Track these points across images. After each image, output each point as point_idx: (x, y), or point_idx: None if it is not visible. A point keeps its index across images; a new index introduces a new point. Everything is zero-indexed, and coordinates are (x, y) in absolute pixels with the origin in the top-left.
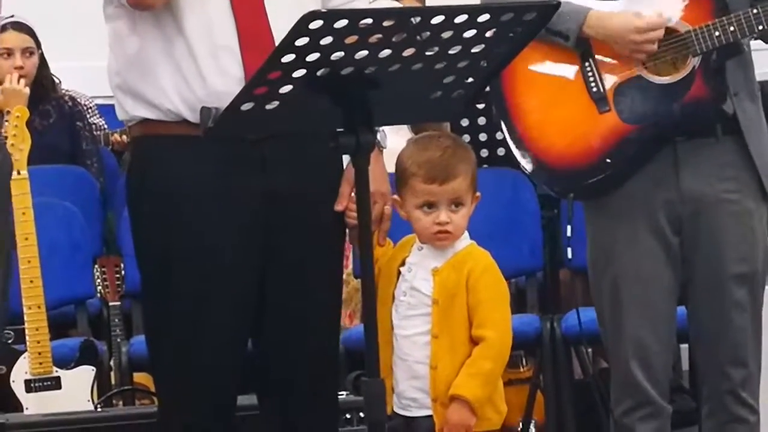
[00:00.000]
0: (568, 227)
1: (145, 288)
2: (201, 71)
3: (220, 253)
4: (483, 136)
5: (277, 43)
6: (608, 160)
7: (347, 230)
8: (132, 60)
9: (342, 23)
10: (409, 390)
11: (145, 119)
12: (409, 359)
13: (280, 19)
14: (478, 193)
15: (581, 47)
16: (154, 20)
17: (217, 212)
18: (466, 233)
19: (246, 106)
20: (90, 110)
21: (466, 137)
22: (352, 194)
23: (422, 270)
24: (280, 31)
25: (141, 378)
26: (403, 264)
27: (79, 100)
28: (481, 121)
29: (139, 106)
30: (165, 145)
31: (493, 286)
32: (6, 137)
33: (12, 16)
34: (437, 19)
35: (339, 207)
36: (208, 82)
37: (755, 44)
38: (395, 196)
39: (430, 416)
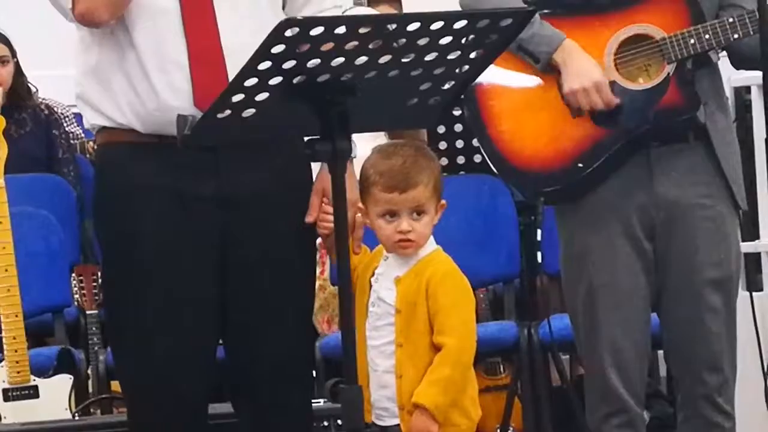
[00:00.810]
0: (538, 231)
1: (107, 294)
2: (152, 85)
3: (177, 258)
4: (460, 143)
5: (227, 60)
6: (580, 165)
7: (320, 239)
8: (90, 70)
9: (318, 30)
10: (381, 400)
11: (103, 127)
12: (378, 369)
13: (234, 37)
14: (443, 201)
15: (546, 70)
16: (110, 33)
17: (173, 218)
18: (432, 240)
19: (223, 114)
20: (66, 119)
21: (443, 144)
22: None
23: (386, 280)
24: (232, 49)
25: (118, 386)
26: (373, 275)
27: (55, 108)
28: (458, 128)
29: (97, 115)
30: (123, 153)
31: (452, 292)
32: None
33: None
34: (413, 26)
35: (309, 219)
36: (159, 97)
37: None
38: (360, 205)
39: (397, 425)
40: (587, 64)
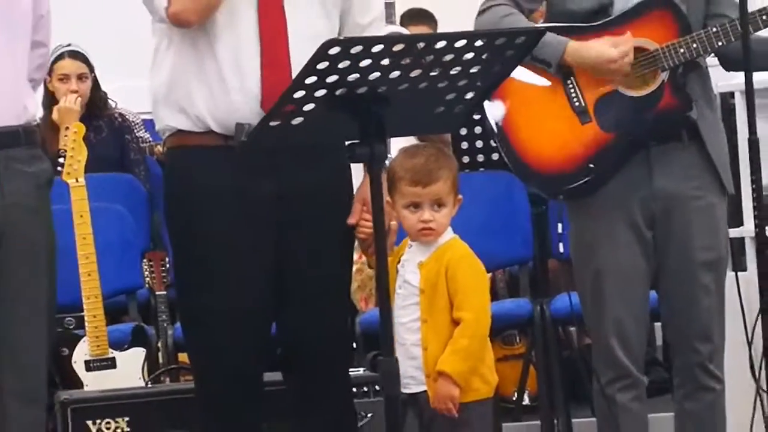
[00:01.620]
0: (559, 225)
1: (178, 280)
2: (227, 87)
3: (238, 250)
4: (479, 143)
5: (294, 67)
6: (591, 165)
7: (357, 242)
8: (169, 74)
9: (357, 49)
10: (409, 369)
11: (177, 130)
12: (406, 343)
13: (300, 54)
14: (459, 196)
15: (562, 71)
16: (190, 38)
17: (234, 214)
18: (450, 229)
19: (275, 122)
20: (137, 125)
21: (465, 144)
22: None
23: (411, 264)
24: (298, 61)
25: (185, 357)
26: (399, 262)
27: (127, 116)
28: (477, 130)
29: (173, 116)
30: (192, 155)
31: (469, 274)
32: (63, 150)
33: (69, 45)
34: (440, 44)
35: (351, 221)
36: (232, 99)
37: (711, 61)
38: (387, 198)
39: (424, 391)
40: (596, 47)
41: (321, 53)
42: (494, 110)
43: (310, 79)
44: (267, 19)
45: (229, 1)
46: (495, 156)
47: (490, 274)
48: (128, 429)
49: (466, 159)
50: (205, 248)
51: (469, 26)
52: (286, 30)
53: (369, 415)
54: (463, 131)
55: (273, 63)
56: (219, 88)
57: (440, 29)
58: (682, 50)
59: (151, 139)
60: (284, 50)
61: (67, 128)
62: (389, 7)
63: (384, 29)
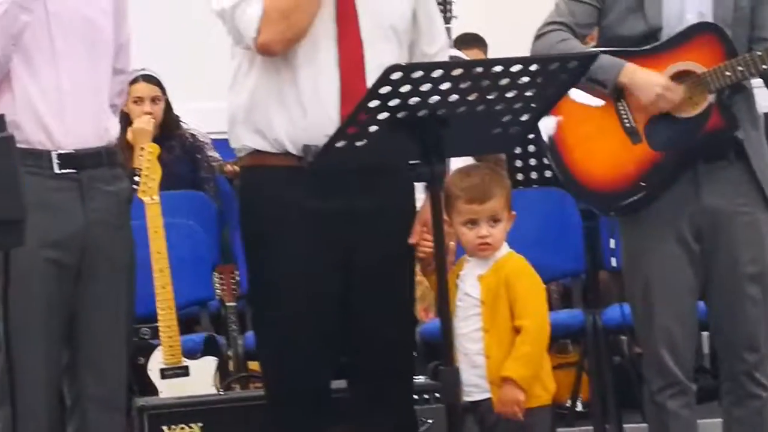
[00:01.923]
0: (611, 240)
1: (251, 292)
2: (306, 113)
3: (309, 264)
4: (533, 161)
5: None
6: (642, 183)
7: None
8: (249, 97)
9: (418, 74)
10: (472, 378)
11: (254, 150)
12: (469, 352)
13: (376, 74)
14: (513, 212)
15: (615, 92)
16: (272, 65)
17: (304, 229)
18: (505, 244)
19: (340, 144)
20: (207, 145)
21: (519, 162)
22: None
23: (471, 278)
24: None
25: (255, 366)
26: (458, 277)
27: (198, 136)
28: (531, 148)
29: (250, 137)
30: (267, 173)
31: (528, 284)
32: (138, 169)
33: (143, 69)
34: (496, 69)
35: (413, 240)
36: (310, 123)
37: (757, 82)
38: (445, 217)
39: (490, 398)
40: (650, 75)
41: (384, 78)
42: (548, 130)
43: (374, 103)
44: (346, 50)
45: (311, 32)
46: (548, 173)
47: (544, 286)
48: None
49: (520, 176)
50: (276, 262)
51: (516, 48)
52: (363, 60)
53: (430, 421)
54: (518, 150)
55: (351, 91)
56: (298, 113)
57: (490, 52)
58: (728, 73)
59: (220, 158)
60: (362, 79)
61: (142, 148)
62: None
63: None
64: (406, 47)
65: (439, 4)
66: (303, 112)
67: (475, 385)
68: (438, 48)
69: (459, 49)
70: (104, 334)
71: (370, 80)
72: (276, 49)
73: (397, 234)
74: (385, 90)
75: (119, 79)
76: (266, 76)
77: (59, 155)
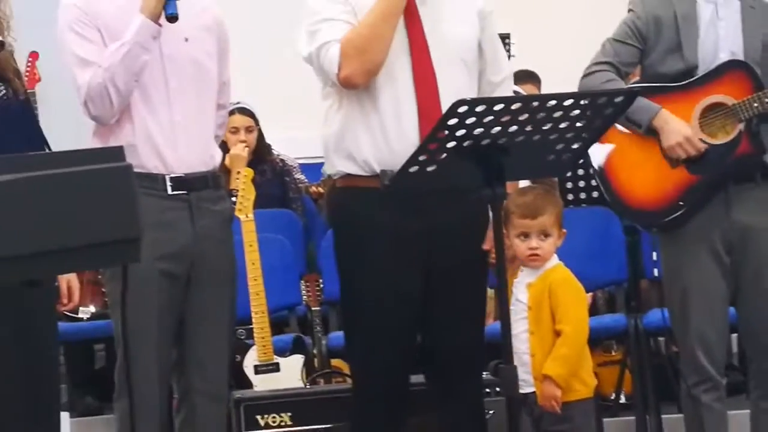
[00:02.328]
0: (654, 253)
1: (344, 300)
2: (389, 136)
3: (392, 275)
4: (582, 183)
5: None
6: (681, 203)
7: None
8: (339, 128)
9: (481, 108)
10: (520, 374)
11: (346, 174)
12: (518, 351)
13: (448, 99)
14: (564, 230)
15: (649, 132)
16: (356, 97)
17: (389, 244)
18: (555, 257)
19: (413, 169)
20: (294, 169)
21: (570, 184)
22: None
23: (522, 285)
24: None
25: (337, 363)
26: (513, 284)
27: (287, 161)
28: (580, 171)
29: (342, 162)
30: (358, 194)
31: (569, 293)
32: (234, 190)
33: (239, 103)
34: (551, 103)
35: (486, 247)
36: (394, 145)
37: None
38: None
39: (534, 392)
40: (679, 125)
41: (451, 111)
42: (596, 155)
43: (442, 133)
44: (421, 78)
45: (388, 64)
46: (595, 194)
47: (591, 294)
48: (290, 422)
49: (570, 196)
50: (365, 273)
51: (566, 84)
52: (437, 86)
53: (491, 411)
54: (568, 173)
55: (428, 114)
56: (382, 136)
57: (543, 86)
58: (756, 104)
59: (306, 180)
60: (437, 103)
61: (238, 172)
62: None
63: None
64: (475, 74)
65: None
66: (386, 136)
67: (523, 380)
68: (503, 77)
69: (516, 84)
70: (209, 335)
71: (445, 105)
72: (357, 81)
73: (471, 245)
74: (452, 122)
75: (221, 113)
76: (353, 108)
77: (172, 179)
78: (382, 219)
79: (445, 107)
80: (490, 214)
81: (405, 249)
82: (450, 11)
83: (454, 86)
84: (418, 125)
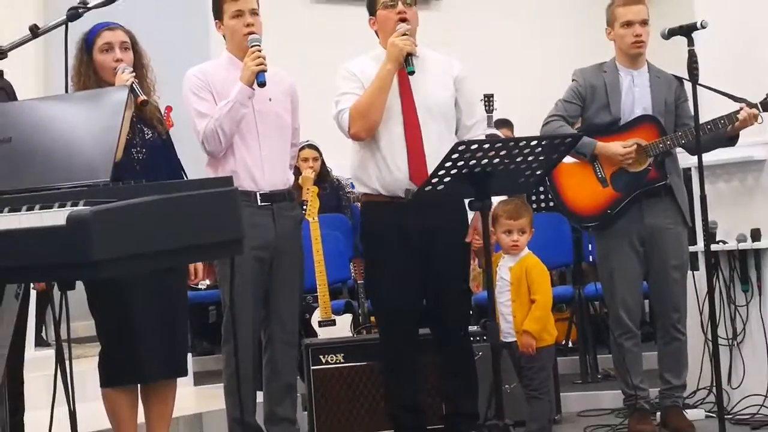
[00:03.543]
0: (590, 245)
1: (366, 276)
2: (389, 169)
3: (401, 260)
4: (542, 196)
5: (427, 159)
6: (608, 211)
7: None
8: (357, 162)
9: (474, 146)
10: (506, 328)
11: (364, 194)
12: (504, 313)
13: (431, 148)
14: (533, 229)
15: (592, 158)
16: (366, 143)
17: (397, 239)
18: (526, 248)
19: (428, 188)
20: (346, 185)
21: (534, 197)
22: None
23: (504, 268)
24: (428, 153)
25: (374, 320)
26: (497, 266)
27: (341, 181)
28: (541, 189)
29: (361, 186)
30: (374, 207)
31: (539, 273)
32: (305, 201)
33: (308, 141)
34: (522, 143)
35: (468, 239)
36: (394, 176)
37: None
38: (491, 228)
39: (516, 341)
40: (614, 146)
41: (454, 149)
42: (552, 178)
43: (448, 164)
44: (409, 131)
45: (386, 120)
46: (551, 204)
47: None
48: (342, 360)
49: (534, 206)
50: (381, 258)
51: (531, 128)
52: (421, 135)
53: (480, 353)
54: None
55: (414, 155)
56: (384, 170)
57: (516, 130)
58: (660, 146)
59: (354, 192)
60: (421, 145)
61: (308, 189)
62: (489, 119)
63: (485, 129)
64: (452, 122)
65: (485, 96)
66: (386, 170)
67: (508, 332)
68: (474, 121)
69: (497, 128)
70: (286, 301)
71: (427, 147)
72: (362, 136)
73: (456, 239)
74: (455, 156)
75: (293, 151)
76: (364, 150)
77: (261, 194)
78: (390, 222)
79: (427, 149)
80: (469, 217)
81: (407, 242)
82: (432, 80)
83: (436, 132)
84: (407, 162)
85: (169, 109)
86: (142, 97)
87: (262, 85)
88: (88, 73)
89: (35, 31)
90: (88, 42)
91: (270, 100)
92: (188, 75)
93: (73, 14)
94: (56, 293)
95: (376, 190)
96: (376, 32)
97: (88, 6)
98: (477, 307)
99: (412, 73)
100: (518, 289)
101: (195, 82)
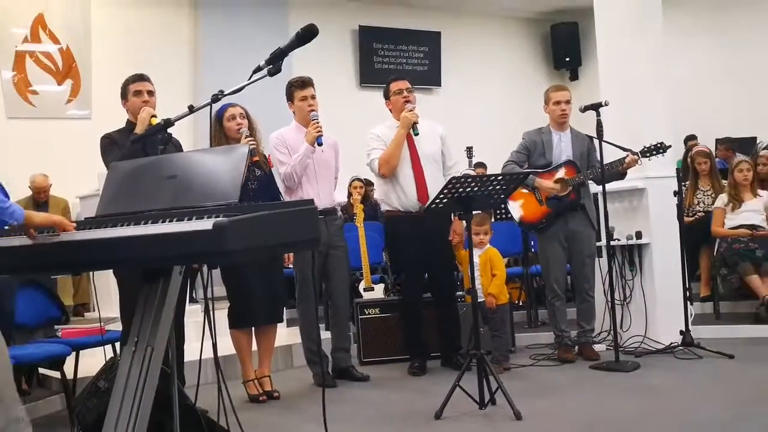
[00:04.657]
0: (532, 242)
1: (391, 264)
2: (406, 194)
3: (415, 251)
4: (503, 211)
5: (428, 185)
6: (544, 221)
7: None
8: (383, 191)
9: (462, 180)
10: (479, 292)
11: (388, 210)
12: (477, 283)
13: (430, 180)
14: (492, 231)
15: (533, 189)
16: (389, 178)
17: (412, 240)
18: (488, 243)
19: (432, 206)
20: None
21: (498, 212)
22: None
23: (475, 256)
24: (429, 181)
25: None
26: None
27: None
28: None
29: (385, 206)
30: (395, 219)
31: (497, 258)
32: (355, 214)
33: (356, 176)
34: (492, 178)
35: (451, 239)
36: (407, 198)
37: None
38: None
39: (484, 300)
40: (546, 183)
41: (449, 183)
42: (511, 207)
43: (444, 192)
44: (416, 169)
45: (402, 162)
46: (509, 215)
47: (506, 258)
48: (378, 312)
49: (498, 217)
50: (400, 251)
51: (497, 167)
52: (423, 172)
53: (464, 308)
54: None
55: (421, 186)
56: (402, 195)
57: (489, 169)
58: (577, 179)
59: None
60: (423, 181)
61: (356, 206)
62: (470, 162)
63: (460, 169)
64: (440, 164)
65: (467, 148)
66: (403, 195)
67: (480, 296)
68: (452, 163)
69: (475, 168)
70: (339, 276)
71: (428, 180)
72: (386, 175)
73: (445, 237)
74: (449, 186)
75: (336, 182)
76: (387, 183)
77: (319, 210)
78: (406, 230)
79: (428, 181)
80: (453, 223)
81: (416, 242)
82: (427, 138)
83: (431, 171)
84: (416, 190)
85: (269, 156)
86: (255, 158)
87: (319, 144)
88: (220, 135)
89: (191, 109)
90: (219, 115)
91: (323, 151)
92: (272, 137)
93: (215, 98)
94: (205, 271)
95: (396, 208)
96: (390, 110)
97: (225, 93)
98: (459, 281)
99: (417, 134)
100: (484, 269)
101: (276, 142)
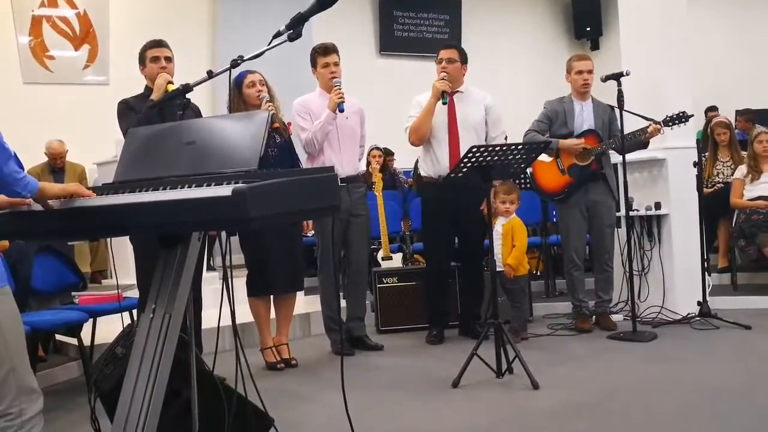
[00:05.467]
0: (554, 211)
1: (423, 229)
2: (439, 160)
3: (443, 221)
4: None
5: (462, 153)
6: (566, 190)
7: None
8: (422, 156)
9: (483, 148)
10: (498, 262)
11: (425, 175)
12: (497, 253)
13: (465, 144)
14: (520, 202)
15: (557, 153)
16: (426, 145)
17: (440, 208)
18: (514, 213)
19: (453, 175)
20: (400, 173)
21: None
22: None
23: (499, 225)
24: (462, 149)
25: (417, 257)
26: (494, 224)
27: (396, 169)
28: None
29: (422, 171)
30: (427, 185)
31: (520, 227)
32: (374, 182)
33: (375, 144)
34: (513, 147)
35: (482, 208)
36: (439, 166)
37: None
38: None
39: (503, 270)
40: (570, 141)
41: (469, 151)
42: (531, 168)
43: (465, 160)
44: (452, 136)
45: (438, 129)
46: (529, 185)
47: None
48: (397, 282)
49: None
50: (431, 218)
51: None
52: (459, 140)
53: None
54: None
55: (454, 153)
56: (435, 162)
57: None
58: (599, 148)
59: (404, 177)
60: (458, 148)
61: (375, 175)
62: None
63: (502, 140)
64: (483, 133)
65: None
66: (436, 161)
67: (499, 265)
68: (497, 134)
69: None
70: (358, 244)
71: (463, 148)
72: (416, 143)
73: (476, 209)
74: (470, 154)
75: (361, 150)
76: (425, 150)
77: (341, 178)
78: (436, 197)
79: (463, 150)
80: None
81: (446, 210)
82: (471, 104)
83: (469, 140)
84: (449, 157)
85: (289, 124)
86: (276, 125)
87: (341, 111)
88: (239, 102)
89: (210, 74)
90: (238, 82)
91: (347, 118)
92: (295, 103)
93: (234, 63)
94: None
95: (428, 174)
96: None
97: (244, 59)
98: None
99: (445, 103)
100: (506, 238)
101: (299, 108)
